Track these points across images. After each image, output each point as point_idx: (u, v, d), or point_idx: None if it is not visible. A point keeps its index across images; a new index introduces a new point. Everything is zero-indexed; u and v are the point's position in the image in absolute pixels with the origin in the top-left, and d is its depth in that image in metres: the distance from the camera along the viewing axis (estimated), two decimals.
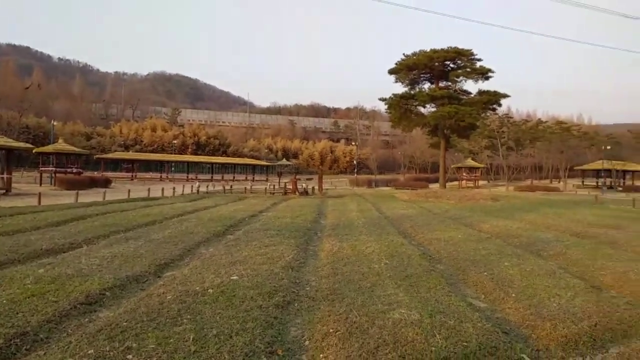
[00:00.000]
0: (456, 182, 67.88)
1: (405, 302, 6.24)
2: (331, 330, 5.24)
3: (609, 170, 63.09)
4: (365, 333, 5.10)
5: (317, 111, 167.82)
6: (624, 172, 66.88)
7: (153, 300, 6.09)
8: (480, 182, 69.73)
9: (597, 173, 65.81)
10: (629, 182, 65.92)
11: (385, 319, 5.55)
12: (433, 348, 4.72)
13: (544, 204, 28.48)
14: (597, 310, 6.21)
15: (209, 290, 6.59)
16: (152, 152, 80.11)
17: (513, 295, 7.08)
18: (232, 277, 7.38)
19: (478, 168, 71.22)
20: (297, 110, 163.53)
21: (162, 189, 33.70)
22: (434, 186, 51.65)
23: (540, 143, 79.38)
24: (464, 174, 69.79)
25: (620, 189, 59.19)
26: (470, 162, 71.26)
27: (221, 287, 6.79)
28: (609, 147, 68.13)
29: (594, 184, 64.30)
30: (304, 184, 43.64)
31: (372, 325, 5.32)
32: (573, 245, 11.74)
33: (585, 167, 69.48)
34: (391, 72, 47.68)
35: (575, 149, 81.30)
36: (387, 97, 48.59)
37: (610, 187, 60.02)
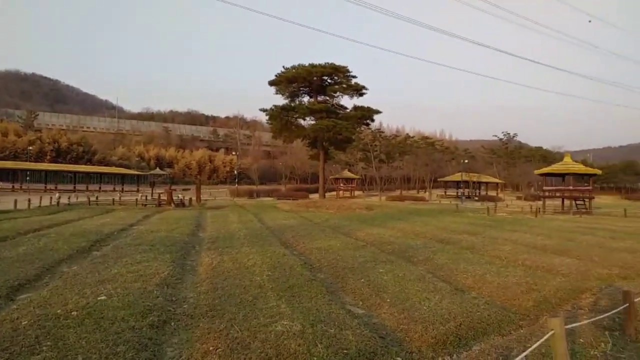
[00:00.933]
0: (334, 193, 70.36)
1: (287, 314, 6.22)
2: (211, 348, 4.98)
3: (467, 182, 70.26)
4: (247, 348, 4.94)
5: (194, 119, 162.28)
6: (479, 183, 75.04)
7: (5, 328, 5.32)
8: (356, 192, 73.21)
9: (457, 184, 72.88)
10: (483, 192, 74.11)
11: (268, 332, 5.46)
12: (315, 358, 4.74)
13: (412, 212, 30.68)
14: (461, 311, 6.75)
15: (72, 313, 5.92)
16: (2, 159, 70.63)
17: (388, 300, 7.42)
18: (99, 298, 6.72)
19: (354, 179, 74.76)
20: (173, 117, 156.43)
21: (15, 201, 29.85)
22: (314, 196, 53.07)
23: (408, 156, 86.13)
24: (342, 185, 72.69)
25: (477, 198, 66.23)
26: (347, 173, 74.51)
27: (87, 308, 6.14)
28: (466, 161, 76.22)
29: (455, 194, 71.07)
30: (180, 195, 41.90)
31: (254, 340, 5.18)
32: (439, 251, 12.74)
33: (447, 178, 76.63)
34: (271, 83, 48.07)
35: (439, 162, 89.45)
36: (268, 108, 48.92)
37: (468, 197, 66.83)
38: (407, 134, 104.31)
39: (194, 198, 39.72)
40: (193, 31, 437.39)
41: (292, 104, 49.74)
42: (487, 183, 77.39)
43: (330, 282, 8.98)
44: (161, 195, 38.79)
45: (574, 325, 5.28)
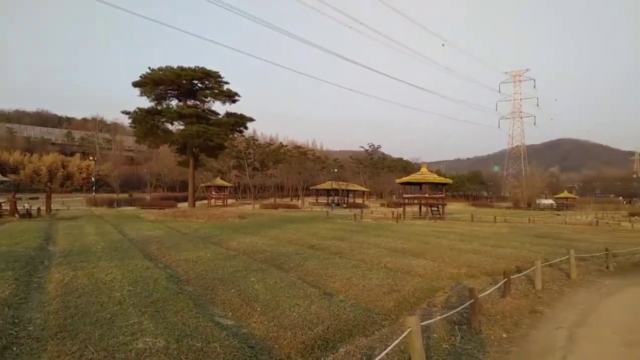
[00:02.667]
0: (206, 201, 68.33)
1: (150, 330, 5.85)
2: None
3: (336, 190, 73.24)
4: None
5: (45, 119, 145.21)
6: (348, 191, 78.72)
7: None
8: (229, 201, 71.96)
9: (327, 192, 75.57)
10: (351, 200, 77.89)
11: (128, 350, 5.07)
12: None
13: (285, 220, 31.05)
14: (329, 314, 6.95)
15: None
16: None
17: (258, 309, 7.35)
18: None
19: (227, 187, 73.37)
20: (19, 117, 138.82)
21: None
22: (183, 205, 50.85)
23: (282, 164, 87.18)
24: (213, 193, 70.87)
25: (345, 205, 69.34)
26: (219, 181, 72.85)
27: None
28: (336, 170, 79.55)
29: (326, 201, 73.61)
30: (26, 204, 37.19)
31: None
32: (309, 257, 13.02)
33: (318, 186, 79.09)
34: (136, 84, 45.05)
35: (311, 170, 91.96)
36: (132, 110, 45.78)
37: (338, 204, 69.69)
38: (281, 142, 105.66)
39: (43, 208, 35.56)
40: (43, 24, 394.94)
41: (159, 107, 47.12)
42: (354, 191, 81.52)
43: (198, 295, 8.63)
44: (3, 204, 33.95)
45: (428, 322, 5.73)
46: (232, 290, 8.66)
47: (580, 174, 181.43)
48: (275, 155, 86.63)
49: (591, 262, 12.99)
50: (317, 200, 77.25)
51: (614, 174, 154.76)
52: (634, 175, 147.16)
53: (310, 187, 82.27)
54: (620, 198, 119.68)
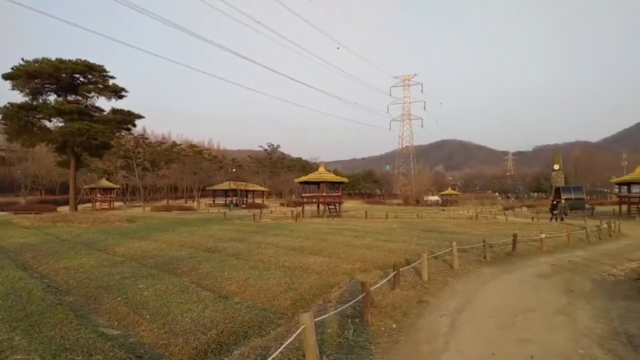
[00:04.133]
0: (90, 204, 63.37)
1: (22, 346, 5.30)
2: None
3: (235, 190, 72.04)
4: None
5: None
6: (247, 191, 77.87)
7: None
8: (116, 204, 67.48)
9: (225, 192, 73.96)
10: (250, 200, 77.14)
11: None
12: None
13: (179, 223, 29.83)
14: (224, 317, 6.76)
15: None
16: None
17: (147, 316, 6.94)
18: None
19: (113, 189, 68.71)
20: None
21: None
22: (64, 209, 46.61)
23: (175, 164, 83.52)
24: (98, 195, 65.93)
25: (244, 206, 68.43)
26: (104, 182, 67.91)
27: None
28: (234, 170, 78.22)
29: (224, 202, 72.03)
30: None
31: None
32: (204, 260, 12.60)
33: (215, 187, 77.13)
34: (6, 77, 40.37)
35: (207, 170, 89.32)
36: (2, 105, 40.92)
37: (236, 205, 68.62)
38: (174, 141, 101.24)
39: None
40: None
41: (35, 103, 42.70)
42: (253, 191, 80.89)
43: (80, 305, 7.93)
44: None
45: (323, 317, 5.80)
46: (119, 299, 8.08)
47: (462, 172, 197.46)
48: (168, 154, 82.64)
49: (471, 253, 14.11)
50: (214, 201, 75.31)
51: (491, 172, 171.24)
52: (508, 173, 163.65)
53: (207, 188, 79.92)
54: (497, 194, 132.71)
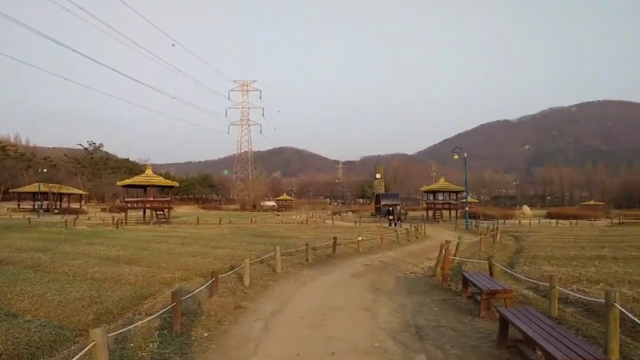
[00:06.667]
0: None
1: None
2: None
3: (45, 193, 63.53)
4: None
5: None
6: (61, 194, 69.38)
7: None
8: None
9: (34, 196, 64.73)
10: (66, 205, 68.85)
11: None
12: None
13: None
14: (6, 339, 5.87)
15: None
16: None
17: None
18: None
19: None
20: None
21: None
22: None
23: None
24: None
25: (57, 211, 60.76)
26: None
27: None
28: (45, 170, 68.89)
29: (32, 207, 62.98)
30: None
31: None
32: None
33: (21, 189, 67.12)
34: None
35: (12, 170, 77.26)
36: None
37: (47, 210, 60.71)
38: None
39: None
40: None
41: None
42: (69, 195, 72.53)
43: None
44: None
45: (123, 330, 5.35)
46: None
47: (298, 179, 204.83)
48: None
49: (296, 256, 14.63)
50: (19, 205, 65.22)
51: (324, 179, 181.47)
52: (337, 181, 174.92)
53: (11, 190, 69.18)
54: (327, 199, 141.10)
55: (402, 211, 53.91)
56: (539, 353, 4.87)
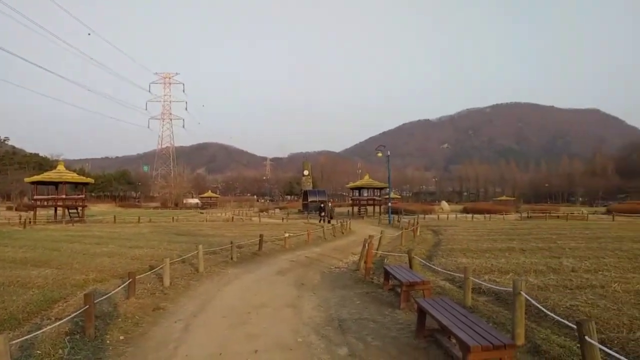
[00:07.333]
0: None
1: None
2: None
3: None
4: None
5: None
6: None
7: None
8: None
9: None
10: None
11: None
12: None
13: None
14: None
15: None
16: None
17: None
18: None
19: None
20: None
21: None
22: None
23: None
24: None
25: None
26: None
27: None
28: None
29: None
30: None
31: None
32: None
33: None
34: None
35: None
36: None
37: None
38: None
39: None
40: None
41: None
42: None
43: None
44: None
45: (34, 335, 4.98)
46: None
47: (224, 175, 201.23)
48: None
49: (220, 254, 14.33)
50: None
51: (252, 175, 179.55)
52: (265, 177, 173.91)
53: None
54: (255, 197, 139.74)
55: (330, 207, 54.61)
56: (454, 341, 5.12)
